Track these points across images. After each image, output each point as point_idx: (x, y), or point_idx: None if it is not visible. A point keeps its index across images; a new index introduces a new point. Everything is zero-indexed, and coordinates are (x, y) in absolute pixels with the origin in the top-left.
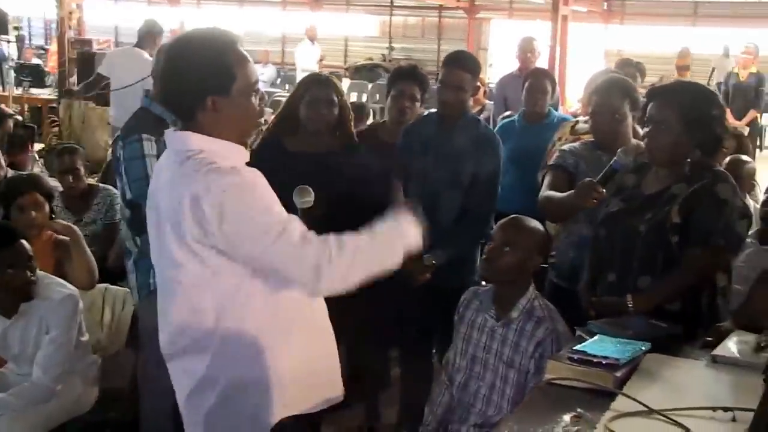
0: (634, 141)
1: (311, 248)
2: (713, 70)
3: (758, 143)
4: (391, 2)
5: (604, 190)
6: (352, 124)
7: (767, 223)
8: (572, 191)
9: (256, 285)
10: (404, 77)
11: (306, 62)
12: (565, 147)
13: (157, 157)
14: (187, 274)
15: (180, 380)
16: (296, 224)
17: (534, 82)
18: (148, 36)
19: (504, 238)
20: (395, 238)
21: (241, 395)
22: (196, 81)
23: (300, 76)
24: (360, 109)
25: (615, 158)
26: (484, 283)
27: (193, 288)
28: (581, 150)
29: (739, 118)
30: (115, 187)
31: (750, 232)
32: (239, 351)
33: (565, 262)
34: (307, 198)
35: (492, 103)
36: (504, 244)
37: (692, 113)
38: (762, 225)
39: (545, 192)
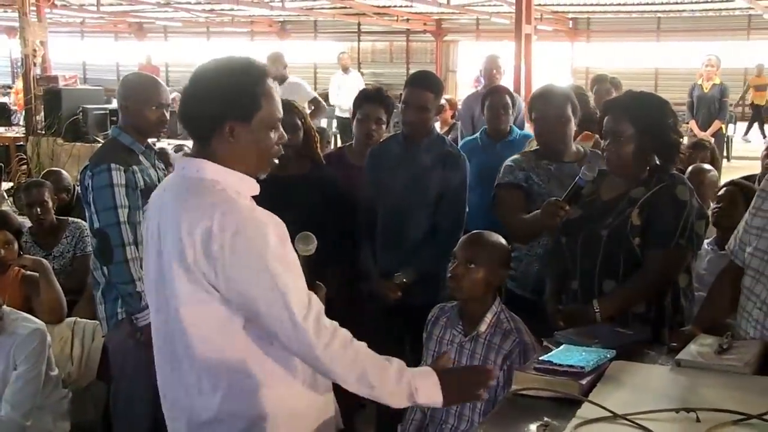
0: (575, 146)
1: (311, 326)
2: None
3: (725, 154)
4: (359, 28)
5: (568, 207)
6: (319, 146)
7: (723, 229)
8: (537, 212)
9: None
10: (369, 100)
11: (342, 96)
12: (509, 162)
13: (126, 186)
14: (188, 305)
15: (178, 415)
16: (303, 293)
17: (494, 100)
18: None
19: (467, 255)
20: (402, 386)
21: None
22: (218, 102)
23: (337, 113)
24: (320, 133)
25: (579, 175)
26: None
27: (193, 320)
28: (526, 161)
29: (704, 128)
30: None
31: (708, 240)
32: (240, 386)
33: (530, 274)
34: (310, 245)
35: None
36: (468, 261)
37: (647, 122)
38: (718, 231)
39: (507, 217)
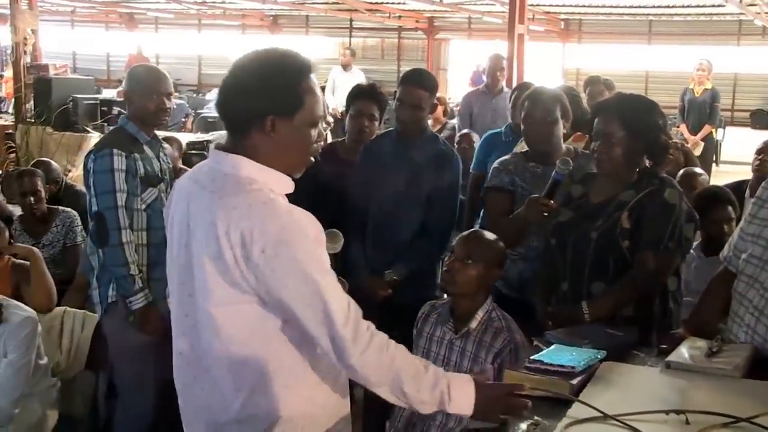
0: (565, 146)
1: (349, 333)
2: None
3: (714, 158)
4: (350, 24)
5: (552, 202)
6: None
7: (710, 235)
8: (520, 210)
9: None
10: (363, 96)
11: (338, 96)
12: (497, 164)
13: (126, 172)
14: (221, 305)
15: (194, 412)
16: (343, 299)
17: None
18: None
19: (466, 251)
20: (435, 390)
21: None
22: (262, 96)
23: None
24: None
25: (555, 170)
26: (446, 296)
27: (225, 320)
28: (513, 163)
29: (694, 133)
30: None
31: (694, 245)
32: (264, 388)
33: (514, 272)
34: (337, 243)
35: (453, 121)
36: (466, 257)
37: (636, 123)
38: (704, 236)
39: (493, 221)
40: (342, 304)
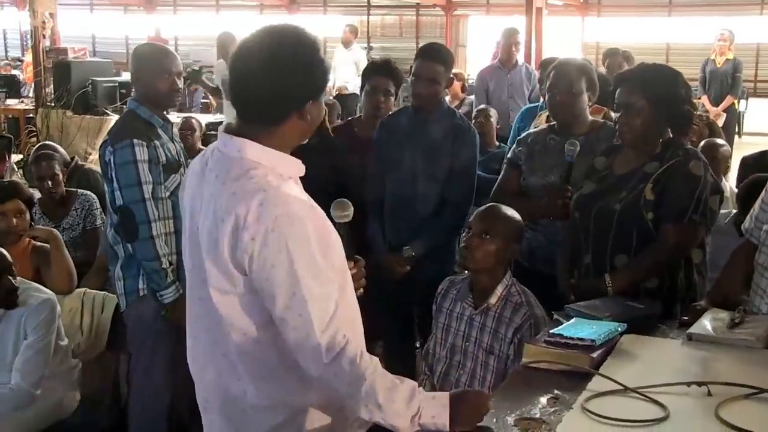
0: (590, 117)
1: (325, 340)
2: None
3: (736, 130)
4: (368, 2)
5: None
6: (327, 119)
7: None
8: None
9: None
10: (378, 72)
11: (345, 73)
12: (523, 135)
13: (149, 161)
14: (219, 292)
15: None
16: (328, 305)
17: None
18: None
19: (483, 226)
20: (412, 407)
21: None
22: (304, 83)
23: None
24: (330, 107)
25: (565, 154)
26: (466, 272)
27: (225, 308)
28: (534, 134)
29: (715, 104)
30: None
31: (725, 221)
32: (279, 376)
33: (523, 241)
34: (346, 212)
35: (471, 97)
36: (483, 233)
37: (660, 94)
38: (739, 209)
39: (496, 191)
40: (325, 308)
